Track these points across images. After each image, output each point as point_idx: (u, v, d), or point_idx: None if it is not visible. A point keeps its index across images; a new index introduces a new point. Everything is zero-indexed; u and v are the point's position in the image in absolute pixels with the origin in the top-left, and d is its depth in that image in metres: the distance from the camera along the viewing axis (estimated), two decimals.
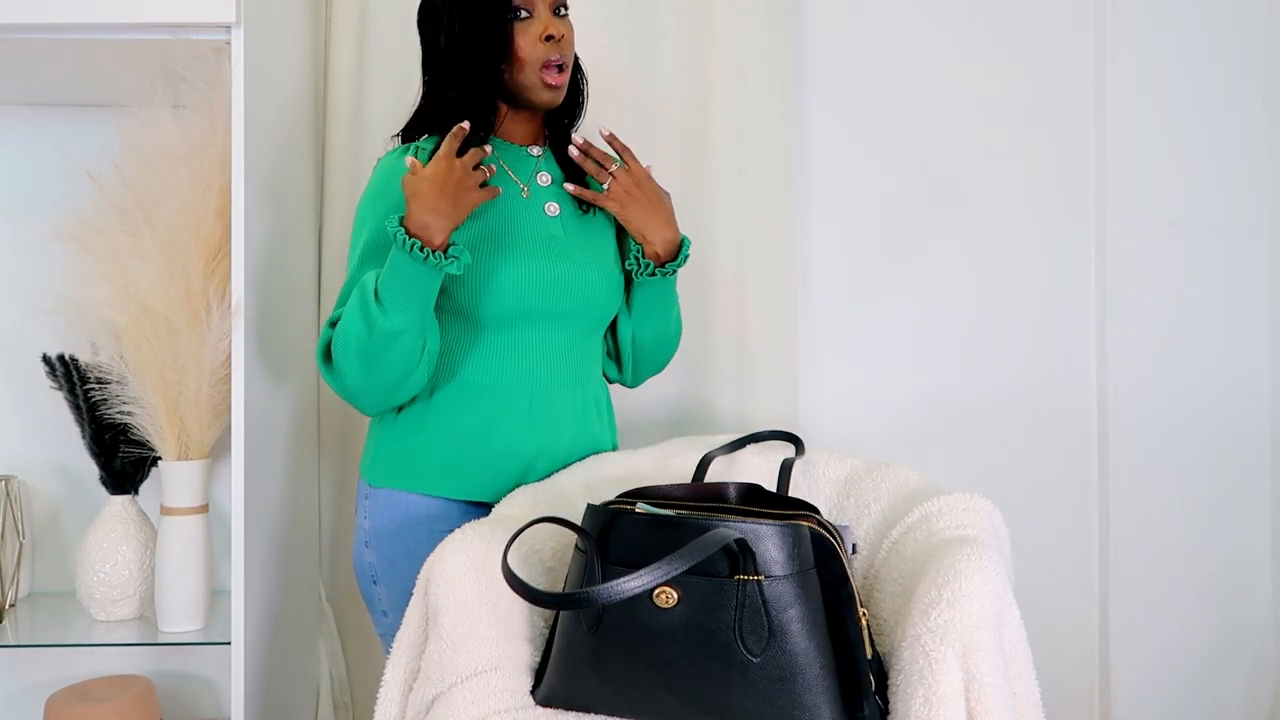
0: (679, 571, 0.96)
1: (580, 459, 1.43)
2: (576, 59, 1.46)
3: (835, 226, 2.01)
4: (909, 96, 2.01)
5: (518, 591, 1.01)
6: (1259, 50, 2.01)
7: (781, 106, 1.92)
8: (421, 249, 1.24)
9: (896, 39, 2.01)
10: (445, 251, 1.26)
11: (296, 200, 1.75)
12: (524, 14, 1.34)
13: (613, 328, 1.52)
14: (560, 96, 1.39)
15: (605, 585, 0.94)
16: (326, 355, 1.35)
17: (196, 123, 1.51)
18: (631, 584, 0.95)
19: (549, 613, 1.21)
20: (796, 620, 1.00)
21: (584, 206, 1.45)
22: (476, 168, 1.28)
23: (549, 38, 1.34)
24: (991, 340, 2.01)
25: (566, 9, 1.39)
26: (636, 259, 1.43)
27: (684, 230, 1.74)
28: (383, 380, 1.31)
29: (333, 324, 1.34)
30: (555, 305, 1.39)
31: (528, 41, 1.34)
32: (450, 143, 1.26)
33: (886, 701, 1.05)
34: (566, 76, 1.38)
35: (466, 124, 1.29)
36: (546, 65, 1.35)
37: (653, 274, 1.43)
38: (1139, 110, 2.00)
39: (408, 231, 1.25)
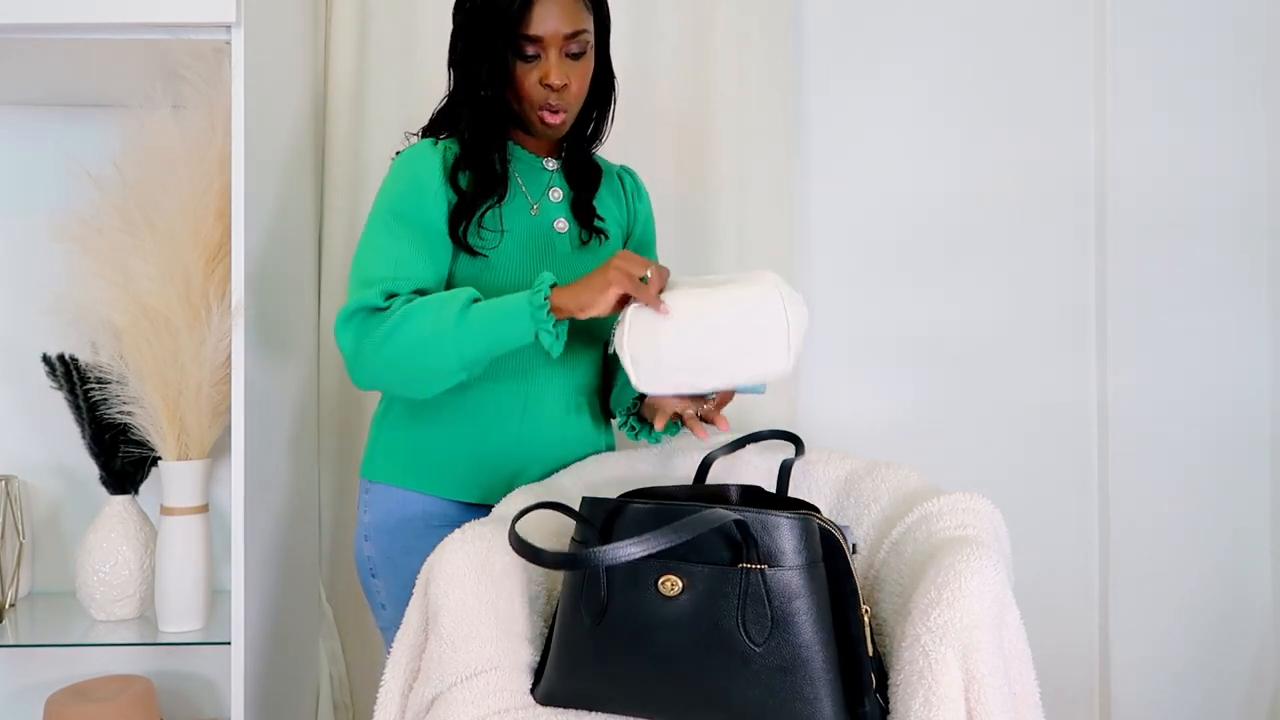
0: (679, 540, 0.96)
1: (578, 459, 1.43)
2: (611, 78, 1.46)
3: (835, 228, 2.00)
4: (909, 95, 2.01)
5: (521, 552, 1.01)
6: (1259, 50, 2.01)
7: (781, 108, 1.92)
8: (550, 315, 1.22)
9: (896, 39, 2.01)
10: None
11: (296, 200, 1.75)
12: (532, 55, 1.33)
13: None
14: (561, 131, 1.39)
15: (607, 547, 0.95)
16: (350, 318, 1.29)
17: (196, 123, 1.51)
18: (633, 549, 0.95)
19: (549, 613, 1.21)
20: (803, 611, 1.00)
21: (588, 233, 1.46)
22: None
23: (548, 86, 1.34)
24: (992, 340, 2.01)
25: (583, 52, 1.35)
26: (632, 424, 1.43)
27: (684, 231, 1.74)
28: (399, 378, 1.29)
29: (385, 295, 1.27)
30: None
31: (529, 82, 1.34)
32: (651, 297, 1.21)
33: (886, 701, 1.05)
34: (564, 117, 1.37)
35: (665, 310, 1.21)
36: (543, 107, 1.35)
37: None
38: (1139, 110, 2.00)
39: (554, 299, 1.23)
